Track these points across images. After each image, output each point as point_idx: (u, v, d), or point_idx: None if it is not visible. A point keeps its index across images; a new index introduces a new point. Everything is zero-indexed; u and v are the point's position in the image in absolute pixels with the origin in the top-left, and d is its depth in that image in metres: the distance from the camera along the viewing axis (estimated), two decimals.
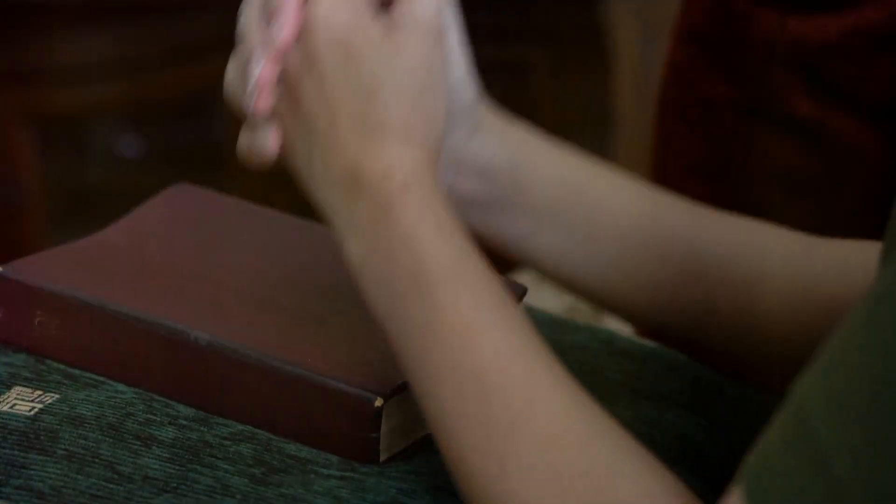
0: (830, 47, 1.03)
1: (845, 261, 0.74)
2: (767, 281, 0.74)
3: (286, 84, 0.69)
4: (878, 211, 1.02)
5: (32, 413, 0.75)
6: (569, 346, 0.86)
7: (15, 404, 0.75)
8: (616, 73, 2.18)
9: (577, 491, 0.59)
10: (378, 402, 0.71)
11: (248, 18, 0.71)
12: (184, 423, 0.74)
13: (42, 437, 0.73)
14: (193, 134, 2.55)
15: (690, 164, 1.13)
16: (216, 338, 0.75)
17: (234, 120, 0.76)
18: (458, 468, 0.62)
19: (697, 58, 1.11)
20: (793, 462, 0.51)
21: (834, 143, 1.04)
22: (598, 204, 0.76)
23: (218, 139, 2.41)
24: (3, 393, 0.76)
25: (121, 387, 0.77)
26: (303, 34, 0.69)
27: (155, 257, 0.83)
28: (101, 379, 0.77)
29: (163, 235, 0.85)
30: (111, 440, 0.72)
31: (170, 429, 0.73)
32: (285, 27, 0.68)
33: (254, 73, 0.69)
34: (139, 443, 0.72)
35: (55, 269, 0.81)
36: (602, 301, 0.77)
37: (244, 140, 0.72)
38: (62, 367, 0.78)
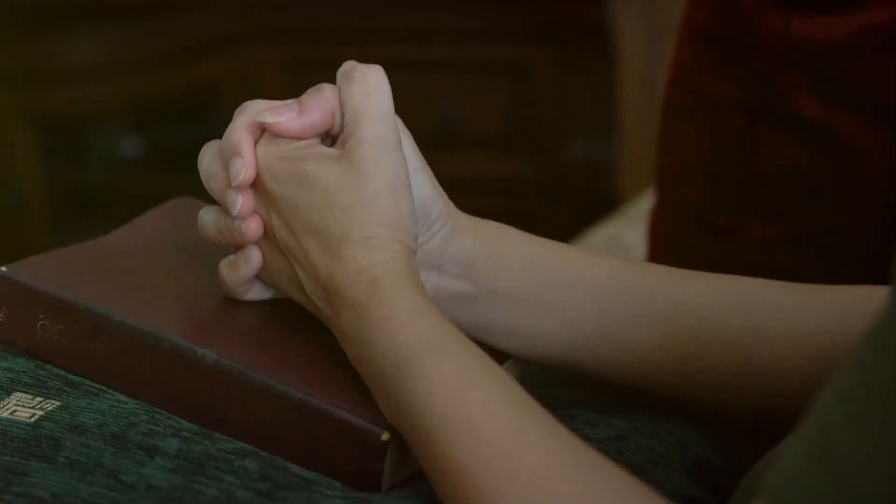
0: (837, 47, 1.03)
1: (839, 306, 0.75)
2: (759, 335, 0.75)
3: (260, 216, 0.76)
4: (884, 213, 1.02)
5: (33, 420, 0.74)
6: None
7: (15, 410, 0.75)
8: (621, 73, 2.17)
9: None
10: (385, 437, 0.70)
11: (210, 163, 0.77)
12: (187, 435, 0.73)
13: (43, 445, 0.72)
14: (193, 134, 2.55)
15: (695, 164, 1.13)
16: (223, 357, 0.74)
17: None
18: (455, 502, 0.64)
19: (703, 58, 1.11)
20: (810, 468, 0.51)
21: (840, 144, 1.04)
22: (577, 280, 0.78)
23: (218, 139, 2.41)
24: (3, 399, 0.76)
25: (122, 396, 0.76)
26: (257, 174, 0.75)
27: (160, 269, 0.82)
28: (102, 388, 0.77)
29: (167, 247, 0.84)
30: (114, 449, 0.72)
31: (173, 440, 0.73)
32: (244, 169, 0.75)
33: (235, 208, 0.75)
34: (142, 453, 0.72)
35: (59, 272, 0.79)
36: (595, 373, 0.79)
37: (226, 268, 0.78)
38: (62, 373, 0.78)
